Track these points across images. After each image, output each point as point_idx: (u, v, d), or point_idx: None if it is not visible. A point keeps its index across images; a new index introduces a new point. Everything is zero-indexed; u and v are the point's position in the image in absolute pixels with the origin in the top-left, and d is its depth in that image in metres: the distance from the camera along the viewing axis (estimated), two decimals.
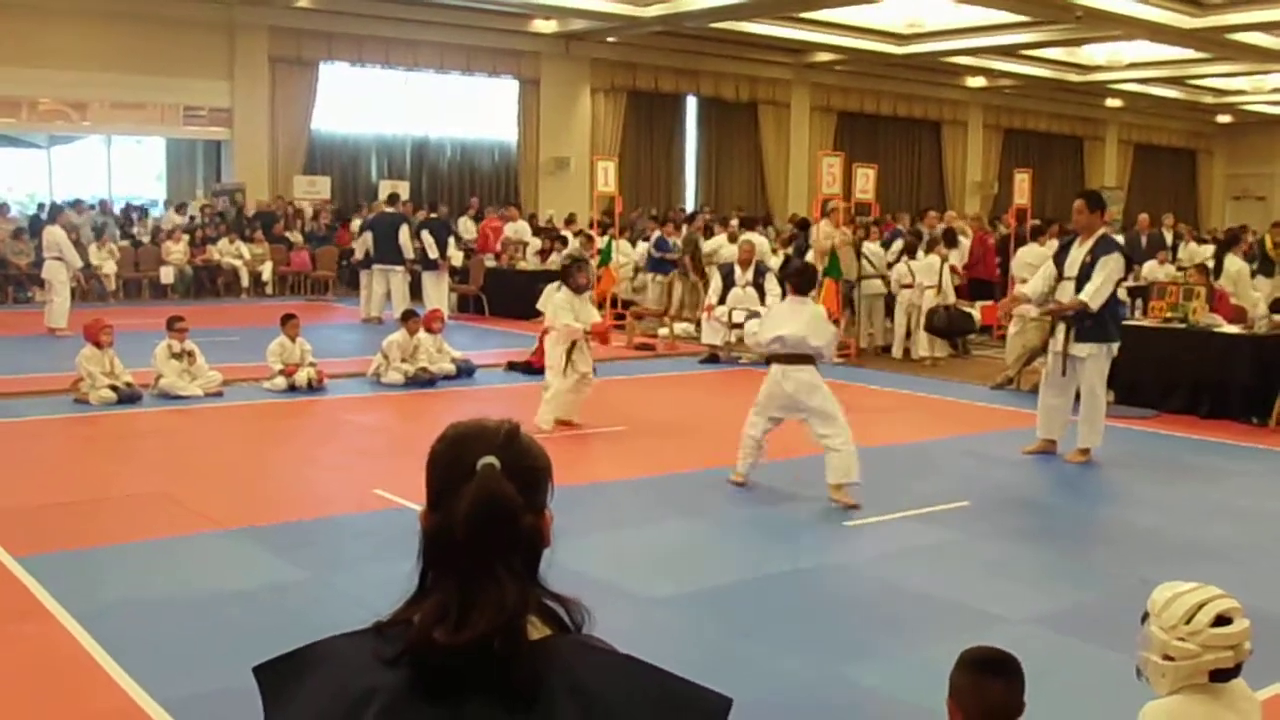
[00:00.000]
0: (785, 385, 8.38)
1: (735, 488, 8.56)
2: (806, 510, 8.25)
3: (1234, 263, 15.71)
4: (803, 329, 8.36)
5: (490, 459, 1.59)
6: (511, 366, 14.13)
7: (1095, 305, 9.43)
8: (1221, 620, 3.12)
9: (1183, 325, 12.24)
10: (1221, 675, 3.14)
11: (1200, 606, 3.13)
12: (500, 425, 1.66)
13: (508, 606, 1.53)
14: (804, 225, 18.63)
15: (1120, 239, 12.23)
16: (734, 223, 20.15)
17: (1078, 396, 9.86)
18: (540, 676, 1.51)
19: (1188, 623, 3.11)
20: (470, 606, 1.52)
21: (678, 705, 1.55)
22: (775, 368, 8.48)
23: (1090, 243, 9.58)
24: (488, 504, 1.56)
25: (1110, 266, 9.46)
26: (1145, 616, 3.23)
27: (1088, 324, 9.54)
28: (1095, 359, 9.66)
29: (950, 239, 17.09)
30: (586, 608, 1.63)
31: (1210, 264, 16.31)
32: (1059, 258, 9.86)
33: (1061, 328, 9.74)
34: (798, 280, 8.86)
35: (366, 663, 1.56)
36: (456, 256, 20.07)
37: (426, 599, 1.58)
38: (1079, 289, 9.48)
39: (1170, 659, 3.13)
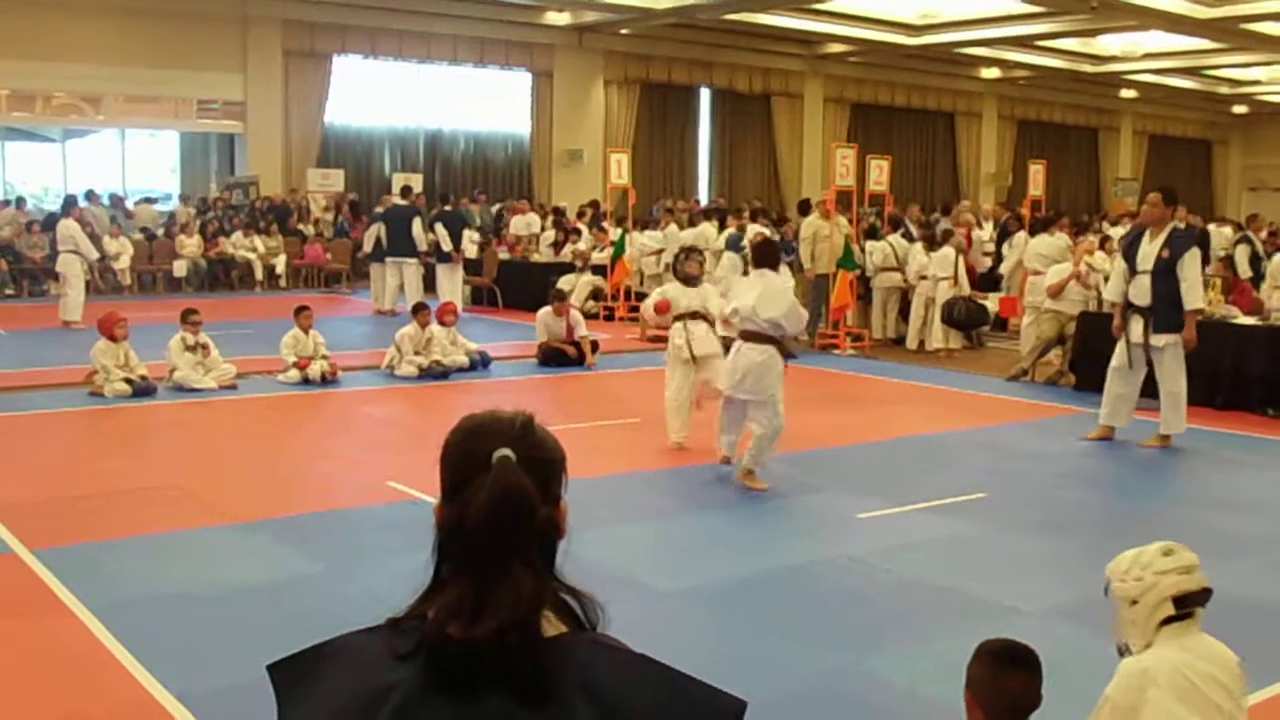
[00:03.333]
0: (739, 361, 8.32)
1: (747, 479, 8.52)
2: (820, 502, 8.23)
3: None
4: (754, 299, 8.28)
5: (505, 451, 1.57)
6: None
7: (1199, 303, 9.84)
8: (1168, 553, 3.34)
9: (1200, 316, 12.15)
10: (1185, 602, 3.20)
11: (1144, 549, 3.39)
12: (515, 417, 1.64)
13: (523, 600, 1.51)
14: (805, 210, 18.40)
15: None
16: (746, 214, 20.06)
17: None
18: (555, 674, 1.50)
19: (1137, 562, 3.36)
20: (485, 600, 1.51)
21: (692, 706, 1.54)
22: (736, 342, 8.47)
23: (1163, 236, 9.72)
24: (504, 497, 1.54)
25: (1196, 263, 9.79)
26: (1107, 588, 3.33)
27: (1165, 315, 9.72)
28: (1175, 347, 9.83)
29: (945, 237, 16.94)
30: (601, 604, 1.61)
31: (1233, 253, 16.32)
32: (1129, 252, 9.97)
33: (1138, 320, 9.84)
34: (757, 253, 8.80)
35: (382, 659, 1.55)
36: (471, 249, 20.07)
37: (441, 593, 1.57)
38: (1155, 282, 9.66)
39: (1135, 602, 3.23)
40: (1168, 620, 3.29)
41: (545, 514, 1.58)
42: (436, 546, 1.61)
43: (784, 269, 14.21)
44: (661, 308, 10.04)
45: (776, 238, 16.41)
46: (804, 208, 18.41)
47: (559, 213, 24.09)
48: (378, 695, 1.51)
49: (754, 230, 16.58)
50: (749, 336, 8.31)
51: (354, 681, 1.54)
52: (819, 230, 15.86)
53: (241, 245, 22.36)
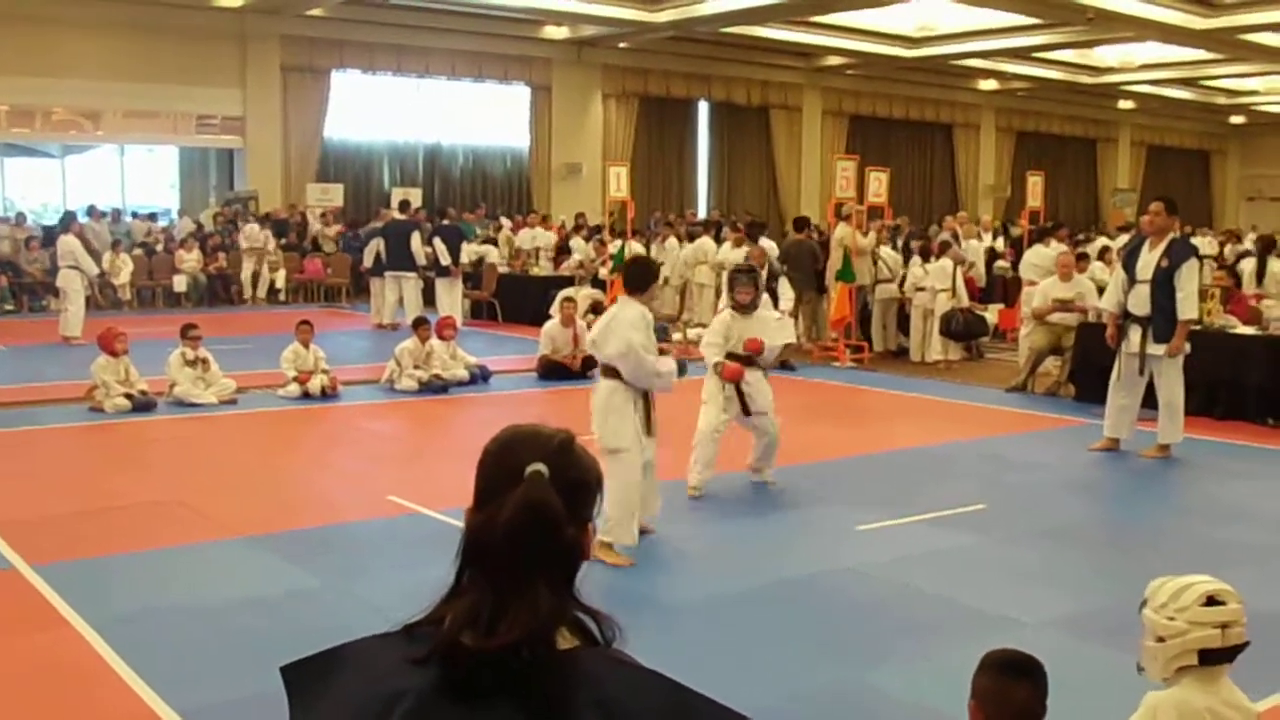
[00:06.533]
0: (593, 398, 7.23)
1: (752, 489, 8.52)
2: (820, 514, 8.23)
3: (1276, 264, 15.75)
4: (598, 330, 7.18)
5: (539, 466, 1.58)
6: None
7: (1194, 314, 9.86)
8: (1212, 601, 3.19)
9: (1198, 326, 12.17)
10: (1212, 657, 3.16)
11: (1189, 586, 3.22)
12: (555, 434, 1.66)
13: (540, 616, 1.52)
14: (800, 226, 18.31)
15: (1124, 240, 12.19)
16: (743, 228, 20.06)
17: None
18: (566, 688, 1.51)
19: (1176, 601, 3.20)
20: (502, 613, 1.52)
21: None
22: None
23: (1163, 245, 9.74)
24: (531, 512, 1.55)
25: (1195, 274, 9.82)
26: (1143, 604, 3.27)
27: (1163, 325, 9.72)
28: (1173, 357, 9.81)
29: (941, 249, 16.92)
30: (618, 624, 1.62)
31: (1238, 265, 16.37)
32: (1128, 262, 10.00)
33: (1136, 329, 9.87)
34: (625, 275, 7.48)
35: (396, 664, 1.56)
36: (471, 253, 20.07)
37: (460, 599, 1.58)
38: (1155, 291, 9.67)
39: (1161, 640, 3.18)
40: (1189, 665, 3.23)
41: (571, 534, 1.59)
42: (461, 550, 1.62)
43: (784, 290, 14.30)
44: (731, 374, 8.41)
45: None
46: (800, 224, 18.39)
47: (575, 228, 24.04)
48: (389, 700, 1.52)
49: (763, 245, 16.54)
50: (604, 369, 7.17)
51: (366, 686, 1.55)
52: (863, 245, 15.83)
53: (254, 238, 22.25)
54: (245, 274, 22.29)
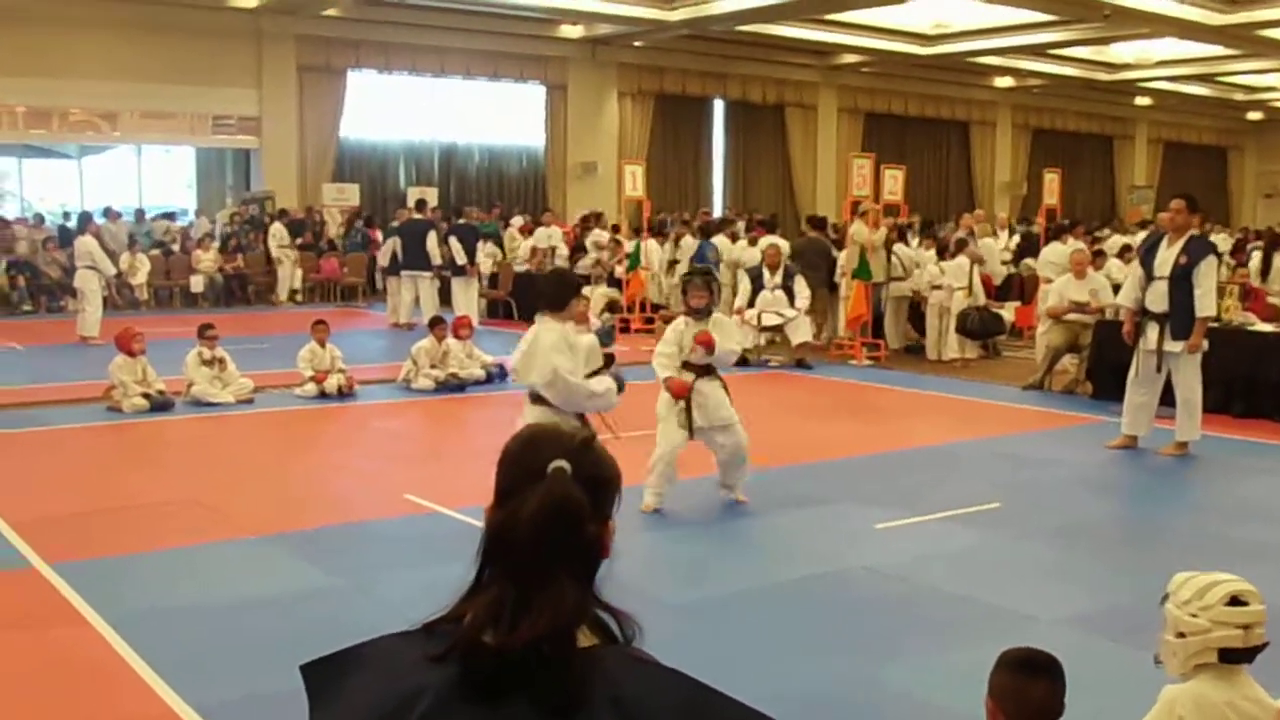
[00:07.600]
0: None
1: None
2: (837, 513, 8.21)
3: None
4: (517, 356, 6.78)
5: (562, 463, 1.60)
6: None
7: (1212, 310, 9.84)
8: (1236, 601, 3.19)
9: (1216, 323, 12.11)
10: (1232, 656, 3.15)
11: (1214, 585, 3.22)
12: (576, 432, 1.69)
13: (563, 613, 1.53)
14: (819, 225, 18.30)
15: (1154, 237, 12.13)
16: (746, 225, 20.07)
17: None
18: (585, 686, 1.51)
19: (1201, 599, 3.19)
20: (525, 610, 1.53)
21: None
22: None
23: (1181, 242, 9.69)
24: (555, 507, 1.56)
25: (1212, 271, 9.79)
26: (1165, 599, 3.27)
27: (1181, 321, 9.67)
28: (1191, 354, 9.77)
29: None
30: (638, 622, 1.62)
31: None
32: (1146, 259, 9.95)
33: (1154, 326, 9.82)
34: (542, 293, 7.00)
35: (416, 662, 1.56)
36: (485, 263, 20.11)
37: (481, 596, 1.58)
38: (1173, 288, 9.63)
39: (1182, 636, 3.18)
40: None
41: (593, 530, 1.61)
42: (481, 548, 1.62)
43: (799, 288, 14.27)
44: (678, 390, 7.96)
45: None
46: (817, 223, 18.36)
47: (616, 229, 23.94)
48: (409, 698, 1.52)
49: (766, 242, 16.52)
50: (532, 396, 6.81)
51: (385, 684, 1.56)
52: (875, 241, 15.83)
53: (278, 236, 22.36)
54: (283, 275, 22.36)
